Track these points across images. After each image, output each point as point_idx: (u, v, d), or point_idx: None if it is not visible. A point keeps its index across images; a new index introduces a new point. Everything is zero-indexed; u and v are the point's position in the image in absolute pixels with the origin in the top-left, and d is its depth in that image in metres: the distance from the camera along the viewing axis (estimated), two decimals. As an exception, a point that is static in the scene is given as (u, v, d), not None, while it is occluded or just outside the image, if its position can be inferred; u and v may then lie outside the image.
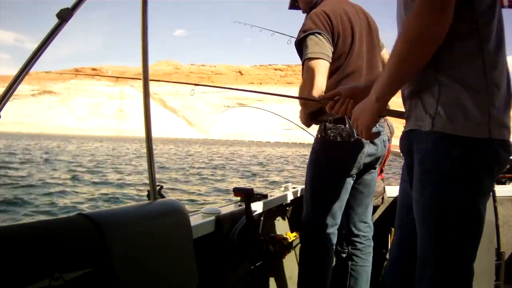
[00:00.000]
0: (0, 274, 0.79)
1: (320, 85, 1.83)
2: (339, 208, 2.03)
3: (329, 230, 2.03)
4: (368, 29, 2.02)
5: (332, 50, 1.88)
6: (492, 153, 1.10)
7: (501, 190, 2.58)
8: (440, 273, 1.14)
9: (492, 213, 2.23)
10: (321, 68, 1.83)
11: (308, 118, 2.04)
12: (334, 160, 1.98)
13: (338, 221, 2.05)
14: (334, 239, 2.06)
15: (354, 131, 1.65)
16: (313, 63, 1.83)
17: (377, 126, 1.98)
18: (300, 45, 1.91)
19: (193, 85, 1.85)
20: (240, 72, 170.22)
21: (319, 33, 1.84)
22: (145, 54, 1.44)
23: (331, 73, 1.90)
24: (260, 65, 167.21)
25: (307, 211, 2.07)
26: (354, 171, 2.01)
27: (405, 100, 1.27)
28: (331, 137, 1.76)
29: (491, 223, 2.20)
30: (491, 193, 2.37)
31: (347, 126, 1.65)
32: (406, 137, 1.29)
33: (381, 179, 2.89)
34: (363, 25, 1.99)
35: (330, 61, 1.86)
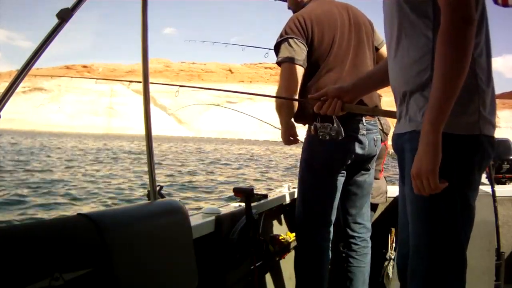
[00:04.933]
0: (0, 274, 0.79)
1: (288, 86, 1.91)
2: (330, 206, 2.02)
3: (321, 229, 2.04)
4: (353, 27, 2.02)
5: (306, 50, 1.92)
6: (481, 149, 1.16)
7: (501, 190, 2.60)
8: (434, 265, 1.18)
9: (492, 213, 2.24)
10: (287, 71, 1.91)
11: (288, 128, 2.04)
12: (320, 159, 1.99)
13: (330, 219, 2.05)
14: (327, 238, 2.05)
15: (342, 130, 1.68)
16: (282, 66, 1.92)
17: (365, 124, 1.97)
18: (276, 49, 1.99)
19: (178, 86, 1.94)
20: (230, 70, 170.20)
21: (291, 38, 1.91)
22: (145, 55, 1.44)
23: (310, 73, 1.96)
24: (251, 64, 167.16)
25: (298, 210, 2.09)
26: (342, 169, 2.01)
27: (397, 99, 1.30)
28: (320, 137, 1.75)
29: (491, 223, 2.21)
30: (491, 193, 2.40)
31: (335, 125, 1.68)
32: (400, 138, 1.30)
33: (384, 178, 2.87)
34: (346, 24, 2.01)
35: (301, 63, 1.91)
